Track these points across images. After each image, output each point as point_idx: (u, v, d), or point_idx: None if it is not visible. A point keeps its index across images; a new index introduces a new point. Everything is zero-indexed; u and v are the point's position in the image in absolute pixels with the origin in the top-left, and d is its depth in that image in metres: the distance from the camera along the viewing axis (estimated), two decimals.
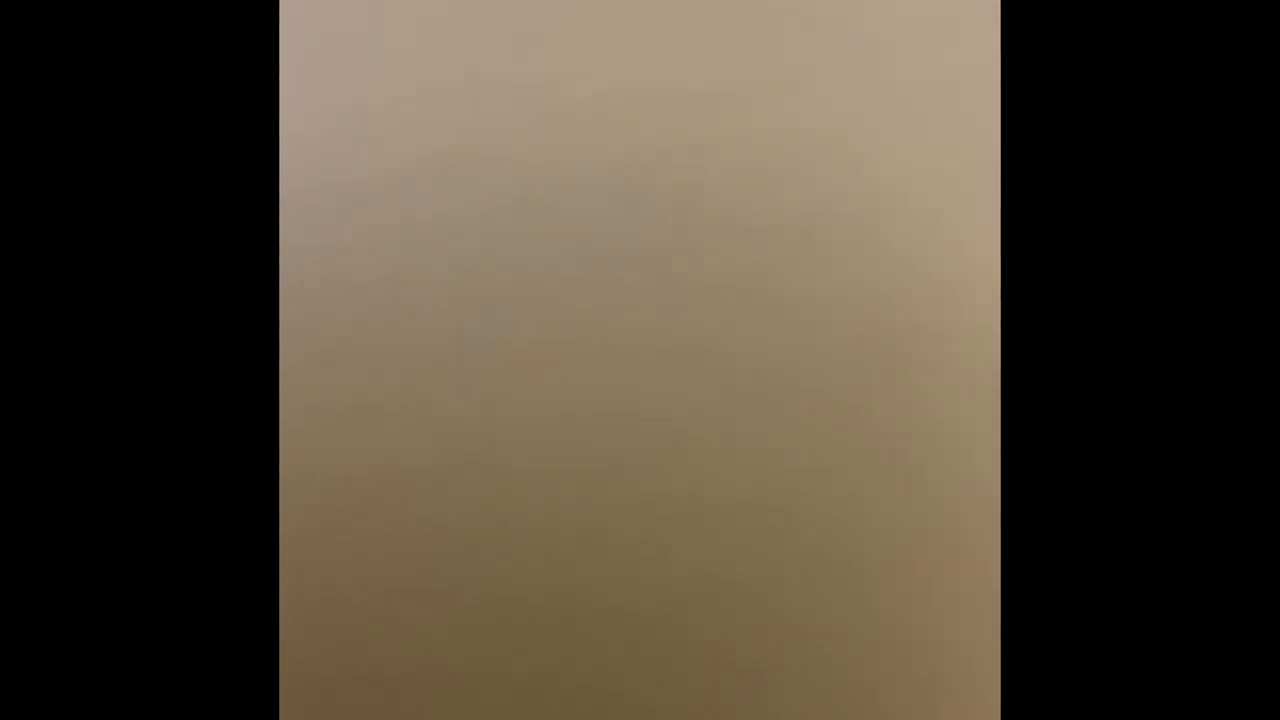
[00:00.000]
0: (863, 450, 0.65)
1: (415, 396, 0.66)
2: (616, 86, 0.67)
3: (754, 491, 0.65)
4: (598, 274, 0.66)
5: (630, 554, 0.65)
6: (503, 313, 0.66)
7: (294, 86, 0.67)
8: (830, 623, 0.65)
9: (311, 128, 0.67)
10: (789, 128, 0.66)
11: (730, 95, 0.67)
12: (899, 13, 0.67)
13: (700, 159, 0.66)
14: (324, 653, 0.66)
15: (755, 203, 0.66)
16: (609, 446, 0.66)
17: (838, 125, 0.66)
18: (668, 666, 0.65)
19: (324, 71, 0.67)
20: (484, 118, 0.67)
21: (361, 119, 0.67)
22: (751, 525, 0.65)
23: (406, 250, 0.66)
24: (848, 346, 0.66)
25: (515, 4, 0.67)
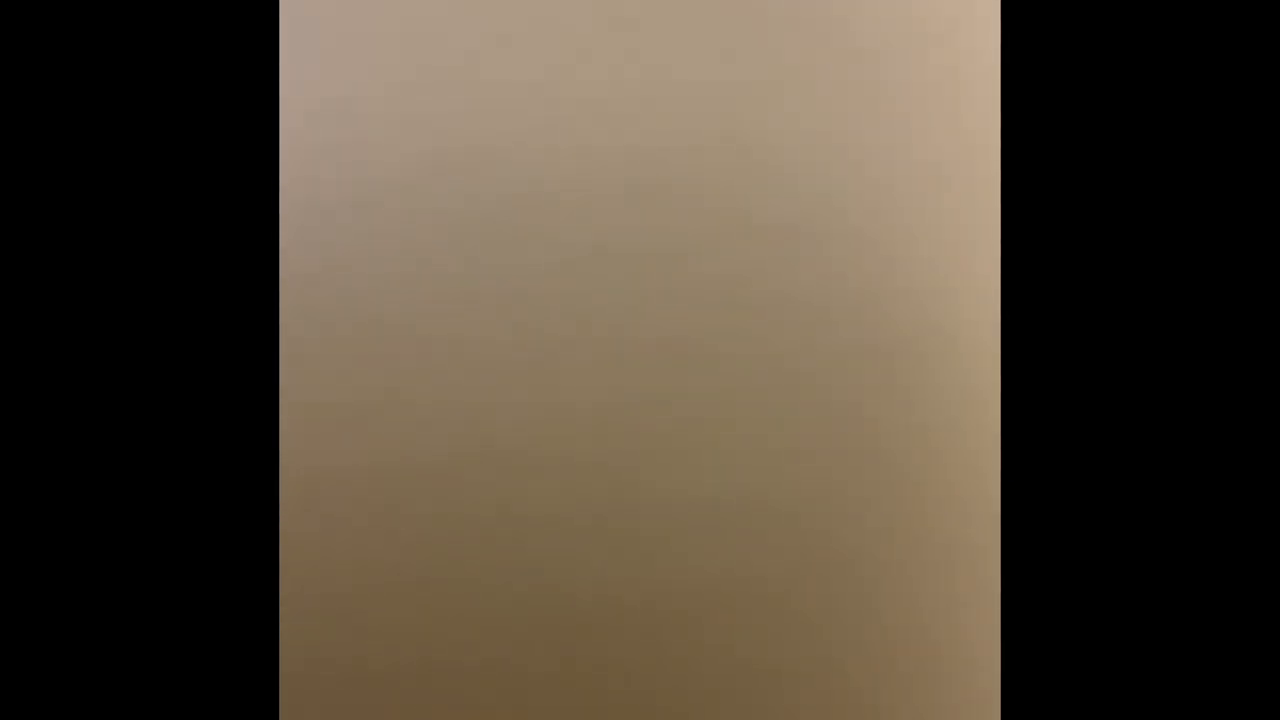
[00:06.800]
0: (863, 450, 0.66)
1: (415, 395, 0.66)
2: (617, 85, 0.67)
3: (753, 491, 0.65)
4: (597, 273, 0.66)
5: (630, 554, 0.65)
6: (502, 311, 0.66)
7: (294, 86, 0.67)
8: (829, 623, 0.65)
9: (311, 128, 0.67)
10: (789, 128, 0.66)
11: (730, 95, 0.67)
12: (898, 13, 0.67)
13: (700, 159, 0.66)
14: (324, 652, 0.66)
15: (755, 203, 0.66)
16: (608, 446, 0.66)
17: (838, 125, 0.66)
18: (668, 665, 0.65)
19: (324, 71, 0.67)
20: (484, 116, 0.67)
21: (361, 119, 0.67)
22: (750, 525, 0.65)
23: (407, 249, 0.66)
24: (847, 347, 0.66)
25: (515, 2, 0.67)
